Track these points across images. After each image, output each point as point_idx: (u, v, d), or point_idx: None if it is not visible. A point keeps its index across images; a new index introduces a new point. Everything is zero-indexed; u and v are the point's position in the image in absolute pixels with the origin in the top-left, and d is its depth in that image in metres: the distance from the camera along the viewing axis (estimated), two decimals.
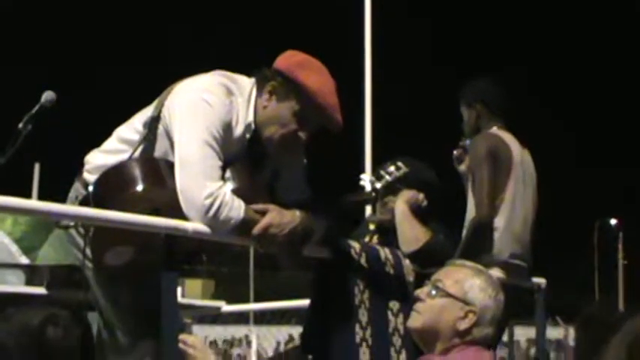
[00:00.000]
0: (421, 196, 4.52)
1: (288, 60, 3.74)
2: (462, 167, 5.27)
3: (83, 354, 2.51)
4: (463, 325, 3.24)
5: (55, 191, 3.90)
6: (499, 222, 5.18)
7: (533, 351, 22.00)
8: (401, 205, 4.47)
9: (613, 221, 41.19)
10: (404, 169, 4.42)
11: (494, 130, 5.28)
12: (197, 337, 3.45)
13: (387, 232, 4.53)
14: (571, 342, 29.36)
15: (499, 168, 5.14)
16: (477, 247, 5.08)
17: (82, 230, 3.72)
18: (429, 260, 4.03)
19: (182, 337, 3.17)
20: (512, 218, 5.22)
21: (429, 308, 3.27)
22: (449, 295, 3.26)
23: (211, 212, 3.46)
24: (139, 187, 3.62)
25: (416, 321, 3.30)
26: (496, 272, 5.10)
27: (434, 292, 3.28)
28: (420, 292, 3.32)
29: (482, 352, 3.26)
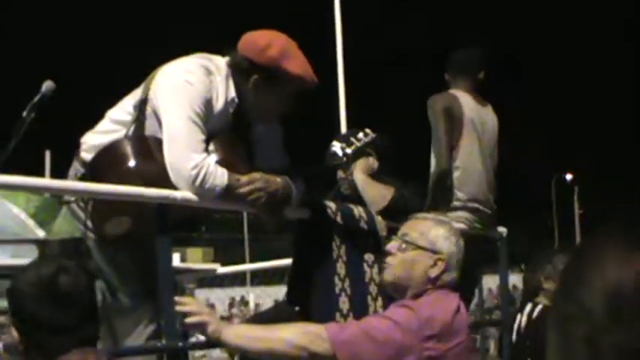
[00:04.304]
0: (371, 159, 4.55)
1: (265, 54, 3.69)
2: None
3: (91, 299, 2.58)
4: (434, 273, 3.24)
5: (65, 175, 3.90)
6: (458, 170, 5.25)
7: None
8: (359, 174, 4.51)
9: (568, 176, 41.56)
10: (371, 134, 4.43)
11: (452, 90, 5.36)
12: (190, 296, 3.46)
13: (355, 203, 4.54)
14: None
15: (453, 123, 5.22)
16: (441, 194, 5.16)
17: (82, 204, 3.72)
18: (398, 213, 4.04)
19: (176, 298, 3.18)
20: (470, 166, 5.29)
21: (401, 261, 3.26)
22: (418, 247, 3.26)
23: (197, 181, 3.46)
24: (132, 163, 3.63)
25: (389, 275, 3.29)
26: (463, 214, 5.18)
27: (404, 246, 3.27)
28: (390, 247, 3.31)
29: (449, 293, 3.27)
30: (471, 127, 5.29)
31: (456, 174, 5.25)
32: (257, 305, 27.90)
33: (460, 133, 5.24)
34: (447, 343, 3.10)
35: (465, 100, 5.31)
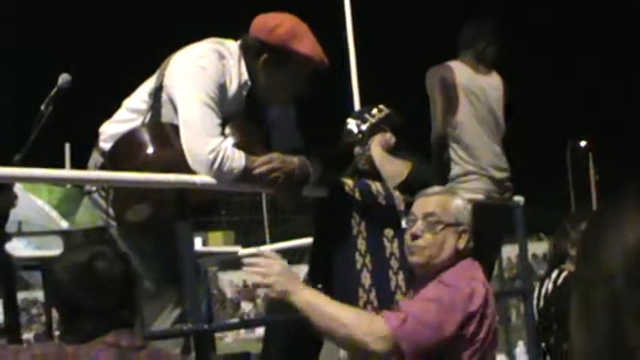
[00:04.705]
0: (388, 135, 4.53)
1: (274, 33, 3.70)
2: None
3: (127, 284, 2.59)
4: (461, 245, 3.24)
5: (85, 167, 3.92)
6: (459, 135, 5.34)
7: None
8: (376, 149, 4.49)
9: (583, 143, 41.36)
10: (386, 110, 4.41)
11: (450, 62, 5.47)
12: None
13: (371, 178, 4.53)
14: None
15: (448, 92, 5.34)
16: (443, 156, 5.29)
17: (103, 193, 3.73)
18: (415, 188, 4.02)
19: (246, 260, 3.09)
20: (471, 135, 5.36)
21: (432, 242, 3.22)
22: (446, 224, 3.23)
23: (215, 165, 3.46)
24: (150, 150, 3.64)
25: (421, 257, 3.24)
26: (478, 184, 5.21)
27: (434, 227, 3.23)
28: (417, 230, 3.25)
29: (471, 261, 3.28)
30: (466, 95, 5.39)
31: (459, 144, 5.33)
32: None
33: (456, 101, 5.35)
34: (484, 314, 3.12)
35: (460, 70, 5.43)
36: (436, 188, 3.49)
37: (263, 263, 3.11)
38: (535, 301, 4.85)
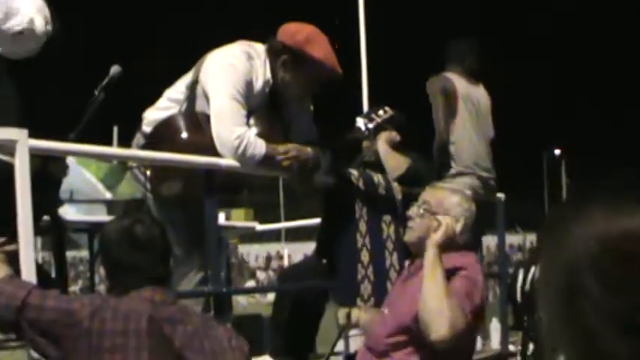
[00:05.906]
0: (394, 133, 4.52)
1: (294, 37, 3.72)
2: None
3: (161, 247, 2.61)
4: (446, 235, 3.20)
5: (129, 146, 3.91)
6: (456, 139, 5.29)
7: None
8: (382, 144, 4.48)
9: (557, 151, 41.34)
10: (390, 112, 4.38)
11: (446, 73, 5.41)
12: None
13: (374, 169, 4.51)
14: (527, 244, 29.57)
15: (448, 100, 5.28)
16: (444, 159, 5.26)
17: (142, 169, 3.74)
18: (412, 181, 4.01)
19: None
20: (466, 138, 5.32)
21: (420, 225, 3.22)
22: (435, 213, 3.21)
23: (240, 150, 3.48)
24: (184, 135, 3.67)
25: (411, 236, 3.27)
26: (467, 180, 5.18)
27: (422, 212, 3.23)
28: (412, 212, 3.27)
29: (467, 253, 3.25)
30: (465, 103, 5.34)
31: (453, 146, 5.28)
32: (290, 258, 27.98)
33: (455, 109, 5.29)
34: (483, 301, 3.12)
35: (458, 81, 5.37)
36: (445, 184, 3.47)
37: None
38: (520, 283, 4.78)
